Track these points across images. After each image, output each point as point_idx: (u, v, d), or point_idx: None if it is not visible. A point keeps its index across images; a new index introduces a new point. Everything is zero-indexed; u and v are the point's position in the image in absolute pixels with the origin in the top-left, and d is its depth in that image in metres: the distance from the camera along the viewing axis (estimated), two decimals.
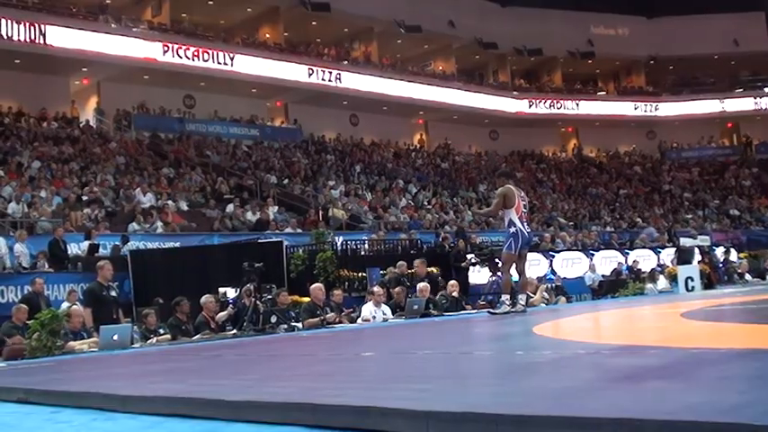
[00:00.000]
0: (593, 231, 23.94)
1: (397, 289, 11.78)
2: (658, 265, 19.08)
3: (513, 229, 8.49)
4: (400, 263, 13.59)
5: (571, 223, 25.97)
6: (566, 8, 35.79)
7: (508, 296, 8.54)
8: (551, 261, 18.82)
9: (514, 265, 8.66)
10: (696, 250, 16.90)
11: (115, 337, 7.97)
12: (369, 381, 3.23)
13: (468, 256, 15.72)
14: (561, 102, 37.10)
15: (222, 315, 9.90)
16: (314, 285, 10.75)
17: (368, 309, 10.72)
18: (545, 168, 35.43)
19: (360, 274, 14.27)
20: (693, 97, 38.28)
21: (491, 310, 8.95)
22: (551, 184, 32.87)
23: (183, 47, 25.84)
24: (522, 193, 8.83)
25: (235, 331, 9.28)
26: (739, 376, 2.46)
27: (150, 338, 9.15)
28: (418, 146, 34.83)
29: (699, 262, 15.82)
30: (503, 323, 7.12)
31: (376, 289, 11.06)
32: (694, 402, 2.00)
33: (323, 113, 30.68)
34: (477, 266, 15.58)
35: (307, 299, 11.23)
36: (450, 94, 33.47)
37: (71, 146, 21.87)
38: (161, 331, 9.40)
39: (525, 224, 8.63)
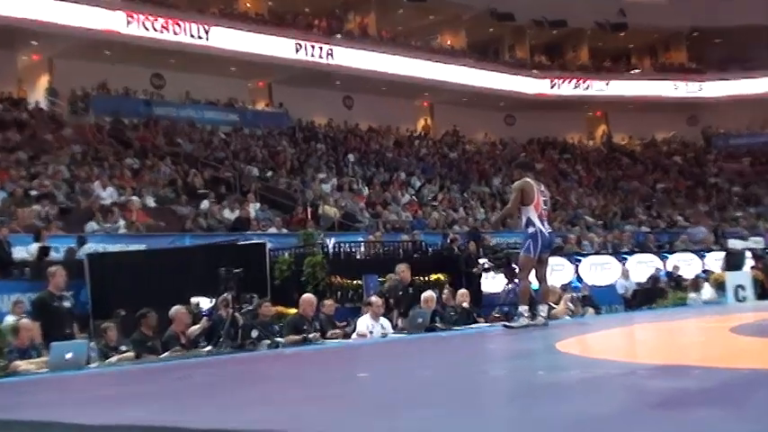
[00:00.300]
0: (626, 232, 23.94)
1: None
2: (703, 272, 19.05)
3: (531, 229, 8.48)
4: (401, 267, 13.56)
5: (600, 222, 25.96)
6: None
7: (527, 307, 8.53)
8: (577, 266, 18.80)
9: (534, 270, 8.66)
10: (747, 254, 16.85)
11: (68, 356, 7.89)
12: (364, 407, 3.20)
13: (481, 261, 15.69)
14: (588, 81, 37.11)
15: (195, 329, 9.88)
16: (305, 296, 10.74)
17: (364, 322, 10.70)
18: (569, 159, 35.44)
19: (354, 282, 14.25)
20: (743, 75, 38.21)
21: (507, 324, 8.94)
22: (577, 177, 32.88)
23: (151, 18, 25.77)
24: (543, 188, 8.82)
25: (209, 348, 9.26)
26: None
27: (110, 357, 9.12)
28: (423, 133, 34.83)
29: (751, 267, 15.77)
30: (521, 338, 7.10)
31: (373, 299, 11.04)
32: None
33: (312, 95, 30.66)
34: (491, 273, 15.56)
35: (293, 310, 11.20)
36: (460, 72, 33.46)
37: (18, 132, 21.81)
38: (123, 348, 9.36)
39: (546, 223, 8.62)
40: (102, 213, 17.04)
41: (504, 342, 6.98)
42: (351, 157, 27.94)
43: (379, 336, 10.42)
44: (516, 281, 11.32)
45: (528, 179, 8.66)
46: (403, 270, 12.27)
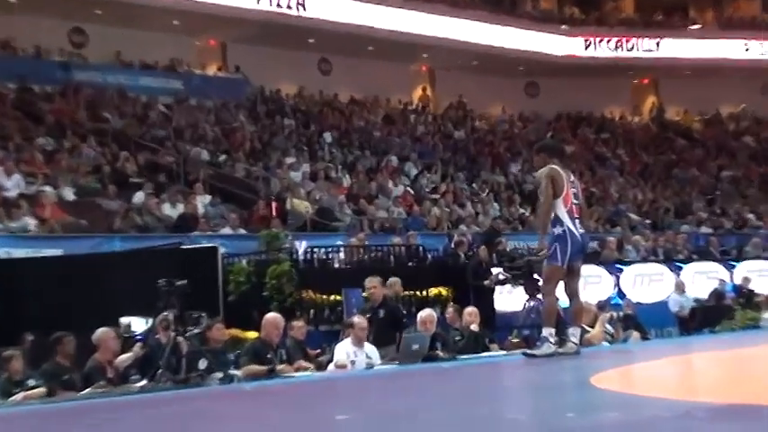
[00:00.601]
0: (682, 233, 23.99)
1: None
2: None
3: (559, 230, 8.50)
4: (392, 280, 13.55)
5: (648, 221, 25.99)
6: None
7: (553, 330, 8.54)
8: (618, 278, 18.84)
9: (562, 283, 8.67)
10: None
11: None
12: None
13: (495, 271, 15.69)
14: (634, 40, 37.16)
15: (125, 358, 9.84)
16: (268, 316, 10.72)
17: (344, 349, 10.68)
18: (608, 139, 35.48)
19: (332, 298, 14.26)
20: None
21: (529, 351, 8.94)
22: (618, 163, 32.94)
23: None
24: (572, 177, 8.86)
25: (144, 383, 9.21)
26: None
27: (14, 394, 9.06)
28: (420, 106, 34.82)
29: None
30: (546, 370, 7.10)
31: (356, 320, 11.03)
32: None
33: (278, 57, 30.62)
34: (508, 286, 15.56)
35: (253, 334, 11.18)
36: (468, 28, 33.48)
37: None
38: (31, 383, 9.31)
39: (578, 222, 8.63)
40: (6, 209, 16.92)
41: (525, 375, 6.98)
42: (328, 136, 27.88)
43: (364, 367, 10.41)
44: (540, 297, 11.32)
45: (555, 166, 8.69)
46: (374, 286, 12.15)
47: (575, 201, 8.67)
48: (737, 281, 19.65)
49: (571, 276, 8.69)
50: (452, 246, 17.99)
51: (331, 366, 10.58)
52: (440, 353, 10.84)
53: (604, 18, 38.07)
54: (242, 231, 18.74)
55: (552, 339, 8.49)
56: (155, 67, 28.86)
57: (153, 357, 9.57)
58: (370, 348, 10.85)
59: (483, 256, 16.62)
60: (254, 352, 10.24)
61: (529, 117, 36.20)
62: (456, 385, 6.90)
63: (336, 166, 25.35)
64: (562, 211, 8.52)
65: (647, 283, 19.28)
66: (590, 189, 27.66)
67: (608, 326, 13.05)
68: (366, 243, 17.35)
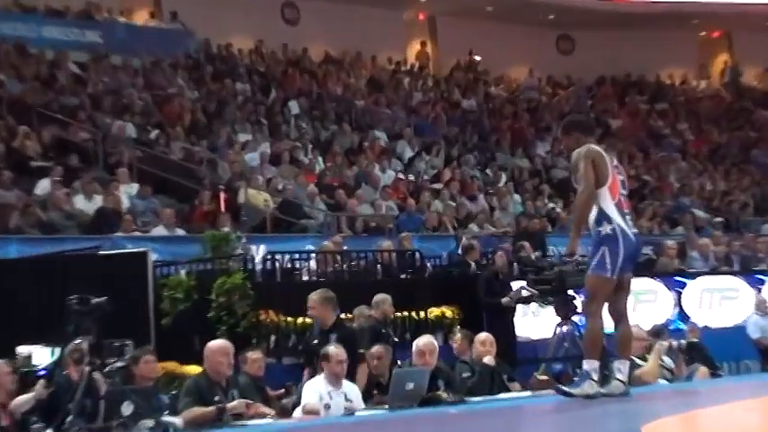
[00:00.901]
0: (764, 236, 23.98)
1: (374, 349, 11.75)
2: None
3: (607, 228, 8.52)
4: (380, 297, 13.54)
5: (719, 219, 25.97)
6: None
7: (597, 363, 8.54)
8: (679, 294, 18.77)
9: (606, 303, 8.68)
10: None
11: None
12: None
13: (516, 286, 15.69)
14: None
15: (24, 401, 9.79)
16: (213, 345, 10.66)
17: (316, 388, 10.65)
18: (666, 111, 35.52)
19: (299, 321, 14.19)
20: None
21: (564, 388, 8.90)
22: (679, 143, 32.98)
23: None
24: (615, 161, 8.89)
25: None
26: None
27: None
28: (417, 66, 34.85)
29: None
30: (584, 417, 7.09)
31: (332, 350, 11.00)
32: None
33: (230, 3, 30.67)
34: (535, 305, 15.56)
35: (194, 369, 11.14)
36: None
37: None
38: None
39: (629, 219, 8.64)
40: None
41: (555, 424, 6.96)
42: (294, 106, 27.86)
43: (342, 413, 10.36)
44: (576, 319, 11.32)
45: (595, 146, 8.72)
46: (313, 306, 11.97)
47: (622, 190, 8.70)
48: None
49: (619, 292, 8.71)
50: (460, 251, 17.98)
51: (298, 411, 10.54)
52: (443, 393, 10.82)
53: None
54: (180, 232, 18.71)
55: (595, 376, 8.49)
56: (65, 13, 28.72)
57: (61, 399, 9.52)
58: (350, 388, 10.82)
59: (500, 264, 16.55)
60: (196, 392, 10.17)
61: (561, 82, 36.22)
62: None
63: (306, 145, 25.31)
64: (609, 204, 8.54)
65: (718, 301, 19.25)
66: (642, 177, 27.71)
67: (666, 358, 13.03)
68: (345, 248, 17.33)
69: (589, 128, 9.45)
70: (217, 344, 10.74)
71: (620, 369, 8.69)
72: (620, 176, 8.76)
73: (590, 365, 8.52)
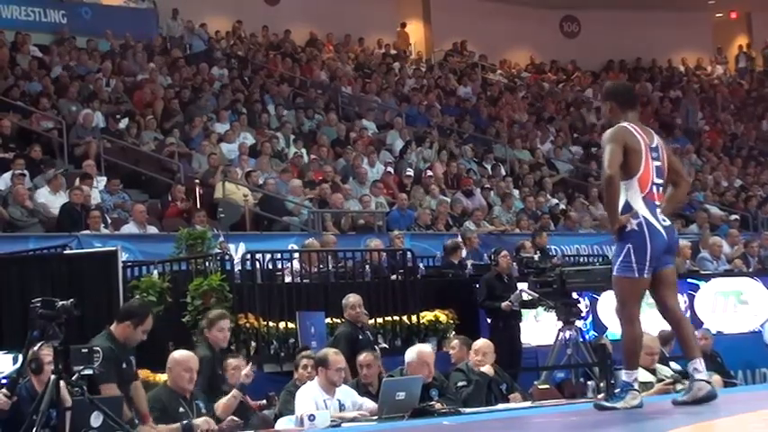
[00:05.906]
0: None
1: (362, 357, 11.78)
2: None
3: (632, 224, 8.42)
4: (348, 300, 13.56)
5: (735, 217, 26.02)
6: None
7: (637, 373, 8.55)
8: (692, 298, 18.79)
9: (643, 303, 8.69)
10: None
11: None
12: None
13: (520, 287, 15.74)
14: None
15: None
16: (177, 355, 10.66)
17: (310, 395, 10.69)
18: (678, 98, 35.55)
19: (282, 326, 14.28)
20: None
21: (605, 403, 8.80)
22: (693, 133, 32.95)
23: None
24: (656, 141, 8.67)
25: None
26: None
27: None
28: (408, 50, 34.88)
29: None
30: (591, 428, 7.12)
31: (332, 355, 11.03)
32: None
33: None
34: (540, 309, 15.57)
35: (164, 377, 11.15)
36: None
37: None
38: None
39: (658, 212, 8.54)
40: None
41: None
42: (274, 93, 27.90)
43: (328, 426, 10.32)
44: (581, 324, 11.35)
45: (627, 124, 8.55)
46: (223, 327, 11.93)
47: (656, 179, 8.53)
48: None
49: (663, 288, 8.66)
50: (444, 252, 18.02)
51: (286, 423, 10.55)
52: (437, 404, 10.86)
53: None
54: (152, 229, 18.71)
55: (636, 385, 8.50)
56: None
57: (22, 411, 9.52)
58: (344, 394, 10.86)
59: (503, 265, 16.46)
60: (159, 406, 10.19)
61: (566, 66, 36.24)
62: None
63: (288, 136, 25.33)
64: (636, 197, 8.43)
65: (733, 305, 19.29)
66: None
67: (675, 365, 13.08)
68: (330, 248, 17.36)
69: (628, 100, 8.94)
70: (180, 355, 10.68)
71: (697, 369, 8.52)
72: (655, 162, 8.53)
73: (629, 376, 8.51)
